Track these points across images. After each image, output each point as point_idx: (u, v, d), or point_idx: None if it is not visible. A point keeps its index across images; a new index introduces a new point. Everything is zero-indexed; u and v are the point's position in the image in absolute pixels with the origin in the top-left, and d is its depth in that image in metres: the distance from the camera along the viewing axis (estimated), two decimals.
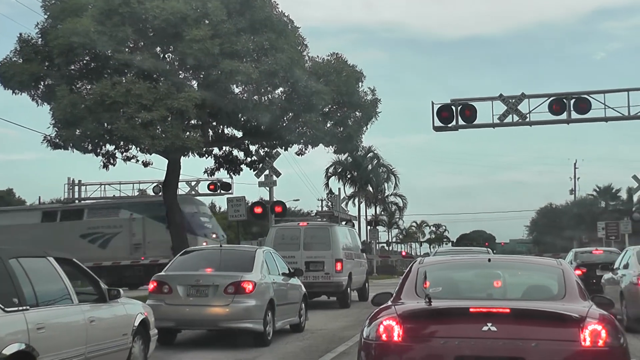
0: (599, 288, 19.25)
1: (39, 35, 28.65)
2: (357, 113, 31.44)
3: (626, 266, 17.14)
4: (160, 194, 38.03)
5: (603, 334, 6.62)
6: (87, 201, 47.91)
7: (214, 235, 39.06)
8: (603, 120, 29.96)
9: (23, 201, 73.40)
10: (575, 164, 78.89)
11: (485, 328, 6.64)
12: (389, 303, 7.56)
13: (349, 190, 65.24)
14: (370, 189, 64.95)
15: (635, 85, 29.90)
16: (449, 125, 29.62)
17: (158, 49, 29.39)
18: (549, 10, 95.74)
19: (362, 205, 67.74)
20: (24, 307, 7.89)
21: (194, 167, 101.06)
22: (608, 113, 29.47)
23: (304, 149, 32.13)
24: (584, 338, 6.58)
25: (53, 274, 8.92)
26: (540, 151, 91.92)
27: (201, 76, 29.22)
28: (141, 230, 39.46)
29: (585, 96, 29.17)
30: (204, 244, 36.80)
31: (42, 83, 28.61)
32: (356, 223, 41.20)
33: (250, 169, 33.67)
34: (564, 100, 29.07)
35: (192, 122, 29.69)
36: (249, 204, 35.89)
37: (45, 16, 28.47)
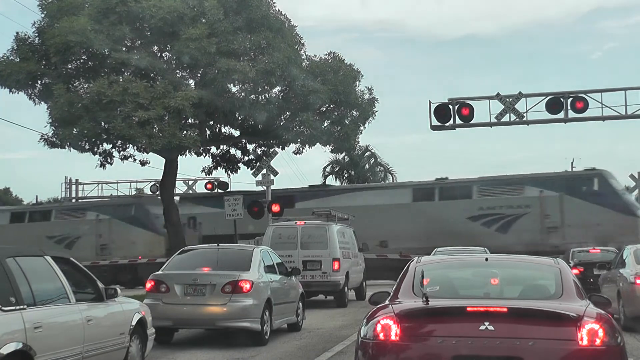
0: (596, 287, 19.27)
1: (36, 34, 28.68)
2: (354, 112, 31.49)
3: (623, 265, 17.13)
4: (157, 193, 38.00)
5: (600, 333, 6.62)
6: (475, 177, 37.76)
7: None
8: (600, 119, 29.98)
9: (20, 200, 73.23)
10: (572, 163, 78.83)
11: (482, 327, 6.63)
12: (387, 302, 7.55)
13: None
14: None
15: (632, 84, 29.94)
16: (446, 124, 29.60)
17: (155, 47, 29.42)
18: (547, 9, 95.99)
19: None
20: (21, 307, 7.88)
21: (191, 166, 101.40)
22: (605, 112, 29.49)
23: (301, 148, 32.17)
24: (581, 337, 6.59)
25: (50, 273, 8.90)
26: (537, 150, 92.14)
27: (198, 75, 29.26)
28: (558, 210, 32.87)
29: (583, 95, 29.19)
30: None
31: (39, 82, 28.64)
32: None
33: (248, 168, 33.70)
34: (561, 99, 29.09)
35: (189, 121, 29.74)
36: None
37: (42, 15, 28.51)
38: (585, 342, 6.57)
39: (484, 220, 33.86)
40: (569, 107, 28.95)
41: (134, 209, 40.61)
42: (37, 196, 54.28)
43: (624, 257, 17.39)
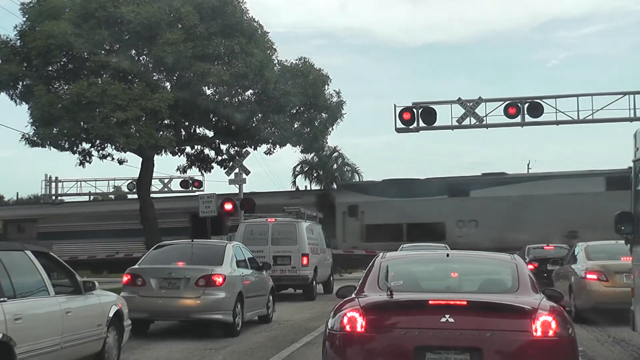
0: (550, 281, 19.47)
1: (18, 37, 28.33)
2: (323, 114, 31.54)
3: (575, 261, 17.36)
4: (134, 190, 37.71)
5: (553, 324, 6.71)
6: None
7: None
8: (554, 123, 30.33)
9: (0, 197, 72.21)
10: (528, 164, 79.65)
11: (443, 319, 6.68)
12: (353, 296, 7.57)
13: (315, 188, 65.12)
14: (335, 187, 64.93)
15: (584, 91, 30.35)
16: (411, 127, 29.75)
17: (133, 51, 29.20)
18: (507, 20, 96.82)
19: None
20: (2, 299, 7.80)
21: (166, 165, 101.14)
22: (559, 117, 29.85)
23: (272, 149, 32.15)
24: (536, 328, 6.67)
25: (30, 267, 8.83)
26: (497, 152, 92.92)
27: (174, 78, 29.10)
28: None
29: (538, 101, 29.51)
30: None
31: (20, 83, 28.31)
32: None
33: (221, 167, 33.59)
34: (518, 104, 29.38)
35: (165, 121, 29.59)
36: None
37: (24, 19, 28.16)
38: (539, 333, 6.66)
39: None
40: (525, 112, 29.23)
41: None
42: (17, 192, 53.60)
43: (576, 254, 17.63)
